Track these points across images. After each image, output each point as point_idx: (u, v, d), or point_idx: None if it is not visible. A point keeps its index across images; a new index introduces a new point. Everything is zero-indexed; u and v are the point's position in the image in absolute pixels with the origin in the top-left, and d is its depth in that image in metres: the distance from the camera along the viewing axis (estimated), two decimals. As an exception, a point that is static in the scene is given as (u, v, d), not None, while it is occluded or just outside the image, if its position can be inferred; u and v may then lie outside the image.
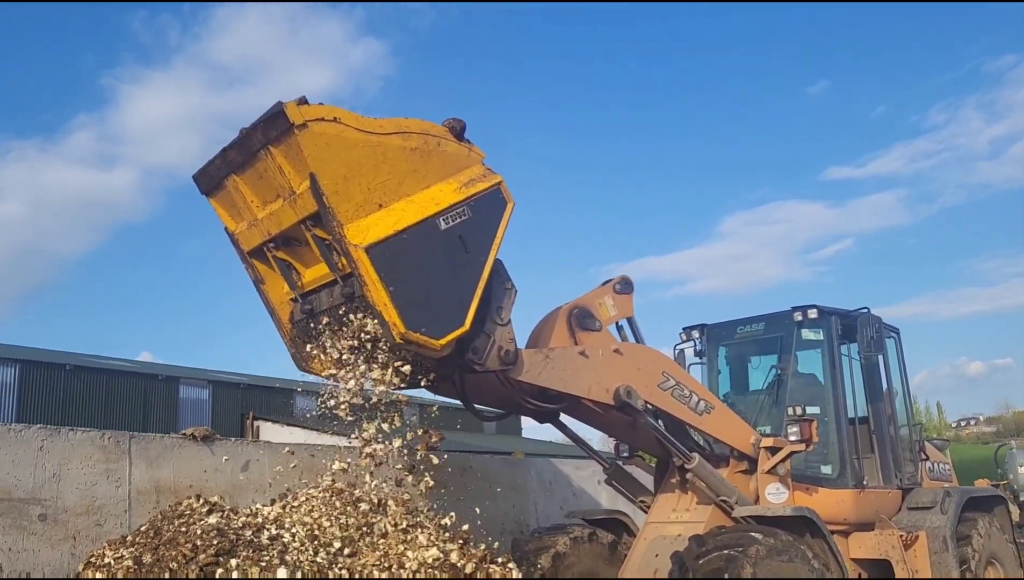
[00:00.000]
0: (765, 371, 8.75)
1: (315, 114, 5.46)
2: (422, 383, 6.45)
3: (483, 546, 6.35)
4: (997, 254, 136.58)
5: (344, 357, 6.25)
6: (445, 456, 8.01)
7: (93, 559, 5.64)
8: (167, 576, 5.00)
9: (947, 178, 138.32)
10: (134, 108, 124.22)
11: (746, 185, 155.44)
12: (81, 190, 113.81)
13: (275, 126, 5.54)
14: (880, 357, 8.68)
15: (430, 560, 5.87)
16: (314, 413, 6.61)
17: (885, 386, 8.81)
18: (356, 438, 6.59)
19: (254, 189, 6.18)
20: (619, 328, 7.82)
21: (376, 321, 5.72)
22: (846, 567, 7.36)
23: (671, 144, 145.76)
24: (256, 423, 29.51)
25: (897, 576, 7.62)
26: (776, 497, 7.43)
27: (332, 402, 6.35)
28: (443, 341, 5.74)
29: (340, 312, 6.17)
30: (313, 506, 6.36)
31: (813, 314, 8.18)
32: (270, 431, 27.63)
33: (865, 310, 8.45)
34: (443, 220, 5.88)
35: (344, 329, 6.18)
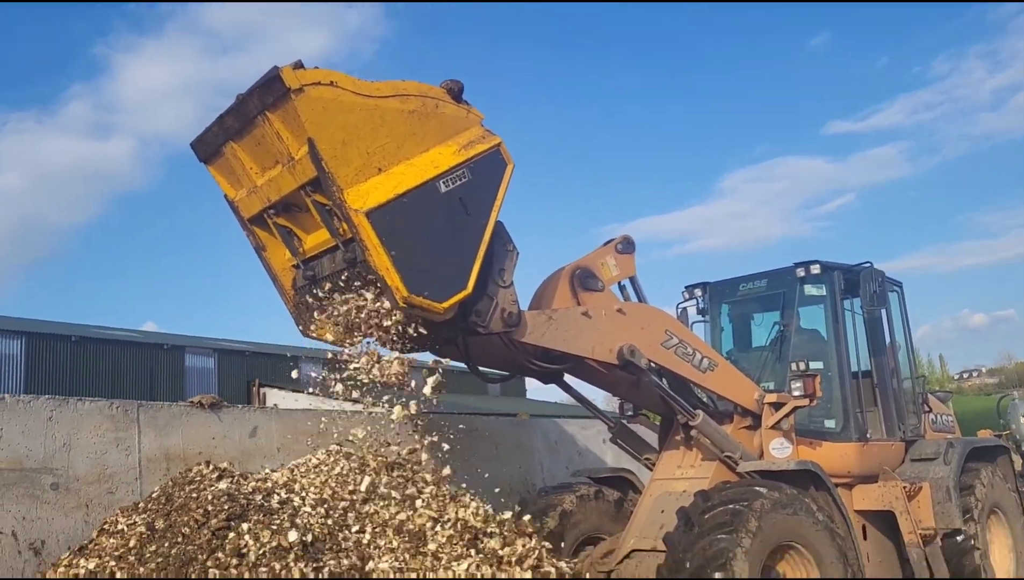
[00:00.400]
0: (768, 327, 8.77)
1: (311, 78, 5.42)
2: (426, 346, 6.47)
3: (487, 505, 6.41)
4: (999, 206, 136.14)
5: (348, 322, 6.27)
6: (451, 418, 8.06)
7: (106, 526, 5.71)
8: (180, 541, 5.07)
9: (949, 130, 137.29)
10: (128, 77, 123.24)
11: (746, 142, 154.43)
12: (79, 161, 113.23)
13: (271, 91, 5.50)
14: (883, 311, 8.68)
15: (435, 521, 5.95)
16: (319, 377, 6.64)
17: (888, 340, 8.83)
18: (360, 403, 6.63)
19: (252, 156, 6.15)
20: (621, 288, 7.83)
21: (377, 288, 5.73)
22: (850, 519, 7.44)
23: (670, 102, 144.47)
24: (262, 390, 29.71)
25: (901, 527, 7.70)
26: (780, 452, 7.49)
27: (346, 371, 6.37)
28: (446, 304, 5.75)
29: (342, 277, 6.18)
30: (321, 470, 6.42)
31: (815, 269, 8.17)
32: (276, 398, 27.82)
33: (868, 264, 8.44)
34: (443, 183, 5.86)
35: (347, 294, 6.19)
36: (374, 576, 5.28)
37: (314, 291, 6.47)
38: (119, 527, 5.60)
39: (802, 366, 7.64)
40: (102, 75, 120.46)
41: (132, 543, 5.28)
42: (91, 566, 5.21)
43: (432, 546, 5.76)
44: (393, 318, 6.03)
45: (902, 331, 9.13)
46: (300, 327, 6.78)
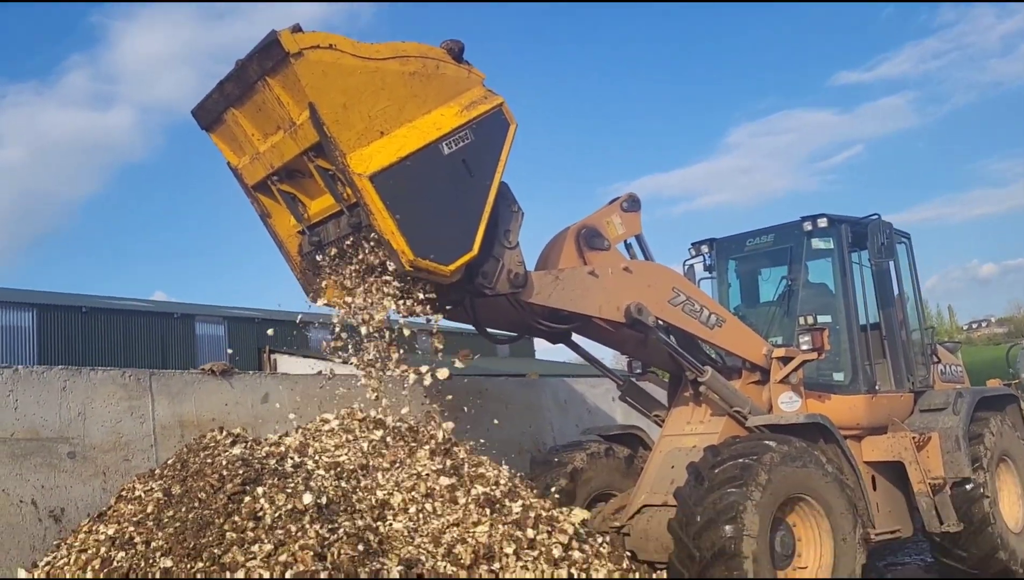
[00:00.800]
0: (775, 282, 8.74)
1: (310, 42, 5.36)
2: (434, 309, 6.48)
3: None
4: (1008, 154, 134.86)
5: (355, 286, 6.28)
6: (465, 380, 8.11)
7: (124, 492, 5.80)
8: (196, 505, 5.14)
9: (957, 78, 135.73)
10: (126, 45, 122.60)
11: (752, 95, 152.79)
12: (80, 132, 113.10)
13: (270, 56, 5.45)
14: (891, 263, 8.64)
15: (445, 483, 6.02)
16: (329, 340, 6.68)
17: (896, 292, 8.80)
18: (372, 365, 6.66)
19: (254, 122, 6.12)
20: (628, 246, 7.81)
21: (383, 251, 5.72)
22: (860, 470, 7.49)
23: (674, 58, 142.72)
24: (273, 356, 29.87)
25: (910, 477, 7.75)
26: (789, 406, 7.52)
27: (357, 332, 6.40)
28: (452, 267, 5.75)
29: (348, 242, 6.18)
30: (334, 433, 6.48)
31: (823, 223, 8.12)
32: (287, 363, 27.98)
33: (875, 217, 8.38)
34: (446, 145, 5.83)
35: (352, 259, 6.20)
36: (389, 536, 5.35)
37: (320, 257, 6.48)
38: (136, 493, 5.68)
39: (810, 320, 7.63)
40: (100, 44, 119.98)
41: (150, 509, 5.36)
42: (110, 532, 5.30)
43: (447, 506, 5.83)
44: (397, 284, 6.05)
45: (910, 283, 9.09)
46: (308, 293, 6.80)
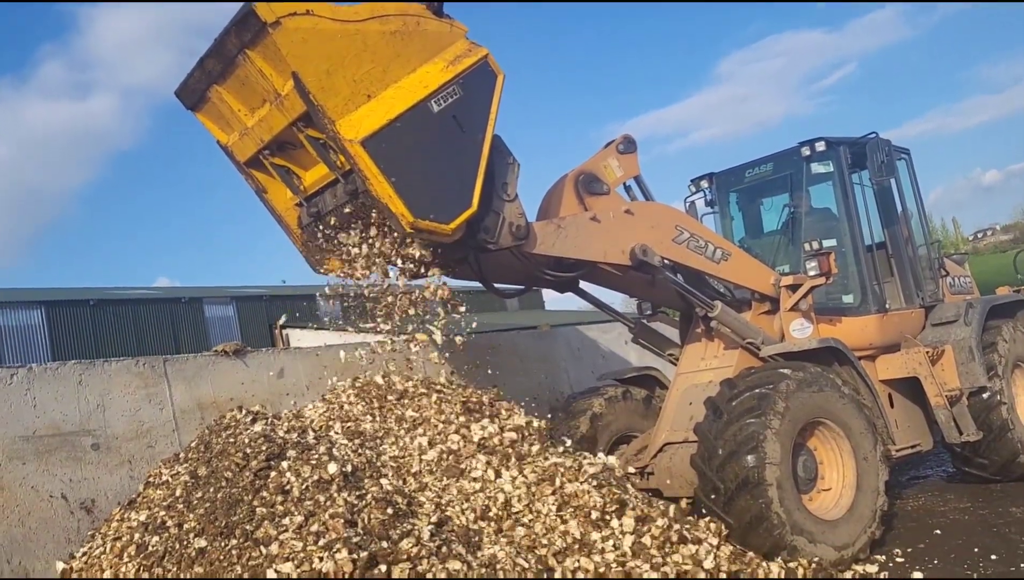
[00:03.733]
0: (778, 211, 8.70)
1: (286, 9, 5.27)
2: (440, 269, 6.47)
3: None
4: (1003, 57, 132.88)
5: (359, 254, 6.27)
6: (477, 337, 8.12)
7: (151, 478, 5.86)
8: (224, 485, 5.20)
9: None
10: (97, 29, 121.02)
11: (738, 23, 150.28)
12: (64, 123, 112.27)
13: (247, 28, 5.36)
14: (892, 181, 8.57)
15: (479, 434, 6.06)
16: (339, 311, 6.69)
17: (900, 209, 8.75)
18: (384, 331, 6.68)
19: (239, 97, 6.05)
20: (627, 188, 7.76)
21: (382, 215, 5.69)
22: (876, 389, 7.53)
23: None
24: (285, 331, 29.99)
25: (927, 391, 7.78)
26: (801, 332, 7.54)
27: (367, 300, 6.40)
28: (453, 225, 5.72)
29: (346, 210, 6.15)
30: (352, 402, 6.53)
31: (821, 147, 8.04)
32: (300, 337, 28.10)
33: (873, 135, 8.29)
34: (434, 102, 5.75)
35: (353, 226, 6.18)
36: (418, 495, 5.41)
37: (320, 227, 6.46)
38: (163, 479, 5.75)
39: (815, 245, 7.61)
40: (70, 31, 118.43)
41: (178, 492, 5.43)
42: (142, 518, 5.37)
43: (472, 461, 5.89)
44: (397, 246, 6.03)
45: (913, 198, 9.04)
46: (311, 265, 6.80)
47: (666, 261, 7.10)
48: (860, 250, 8.07)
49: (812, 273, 7.50)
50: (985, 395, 8.02)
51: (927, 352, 7.93)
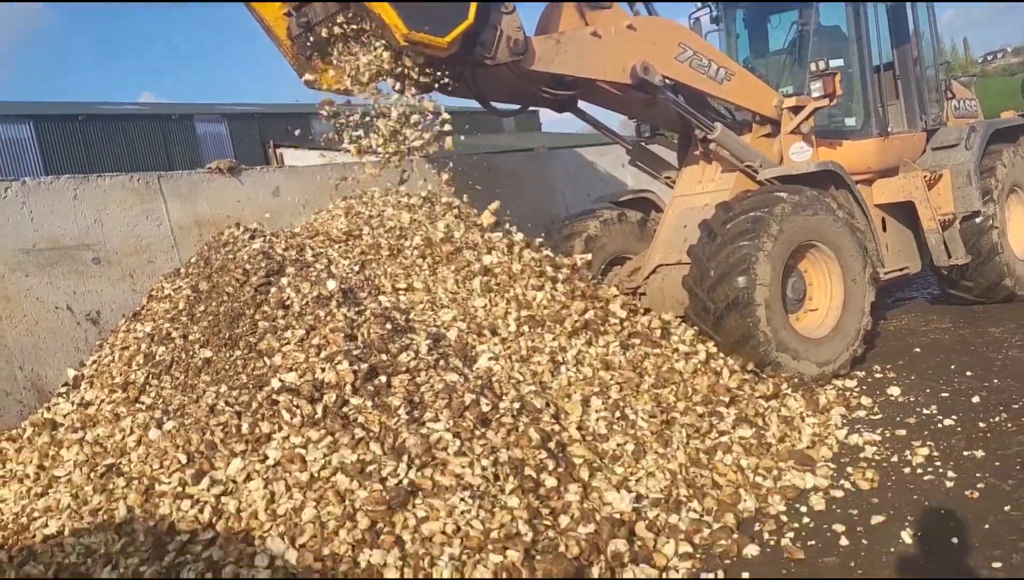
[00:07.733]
0: (785, 29, 8.37)
1: None
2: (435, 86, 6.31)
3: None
4: None
5: (351, 68, 6.10)
6: (475, 157, 8.05)
7: (154, 292, 5.99)
8: (225, 299, 5.31)
9: None
10: None
11: None
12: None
13: None
14: (907, -1, 8.21)
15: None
16: (332, 134, 6.58)
17: (912, 27, 8.44)
18: (378, 146, 6.59)
19: None
20: (631, 2, 7.43)
21: (375, 26, 5.48)
22: (871, 213, 7.57)
23: None
24: (279, 150, 29.59)
25: (920, 215, 7.83)
26: (800, 156, 7.47)
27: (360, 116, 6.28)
28: (448, 38, 5.53)
29: (337, 20, 5.91)
30: (348, 219, 6.55)
31: (835, -42, 7.64)
32: (293, 157, 27.77)
33: (892, -55, 7.85)
34: (431, -96, 5.40)
35: (343, 38, 5.96)
36: (411, 309, 5.54)
37: (311, 39, 6.23)
38: (166, 292, 5.87)
39: (821, 65, 7.39)
40: None
41: (181, 305, 5.56)
42: (148, 329, 5.53)
43: (462, 274, 5.96)
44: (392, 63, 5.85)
45: (926, 18, 8.69)
46: (302, 78, 6.61)
47: (667, 80, 6.91)
48: (867, 71, 7.84)
49: (816, 94, 7.34)
50: (978, 220, 8.07)
51: (925, 176, 7.90)
